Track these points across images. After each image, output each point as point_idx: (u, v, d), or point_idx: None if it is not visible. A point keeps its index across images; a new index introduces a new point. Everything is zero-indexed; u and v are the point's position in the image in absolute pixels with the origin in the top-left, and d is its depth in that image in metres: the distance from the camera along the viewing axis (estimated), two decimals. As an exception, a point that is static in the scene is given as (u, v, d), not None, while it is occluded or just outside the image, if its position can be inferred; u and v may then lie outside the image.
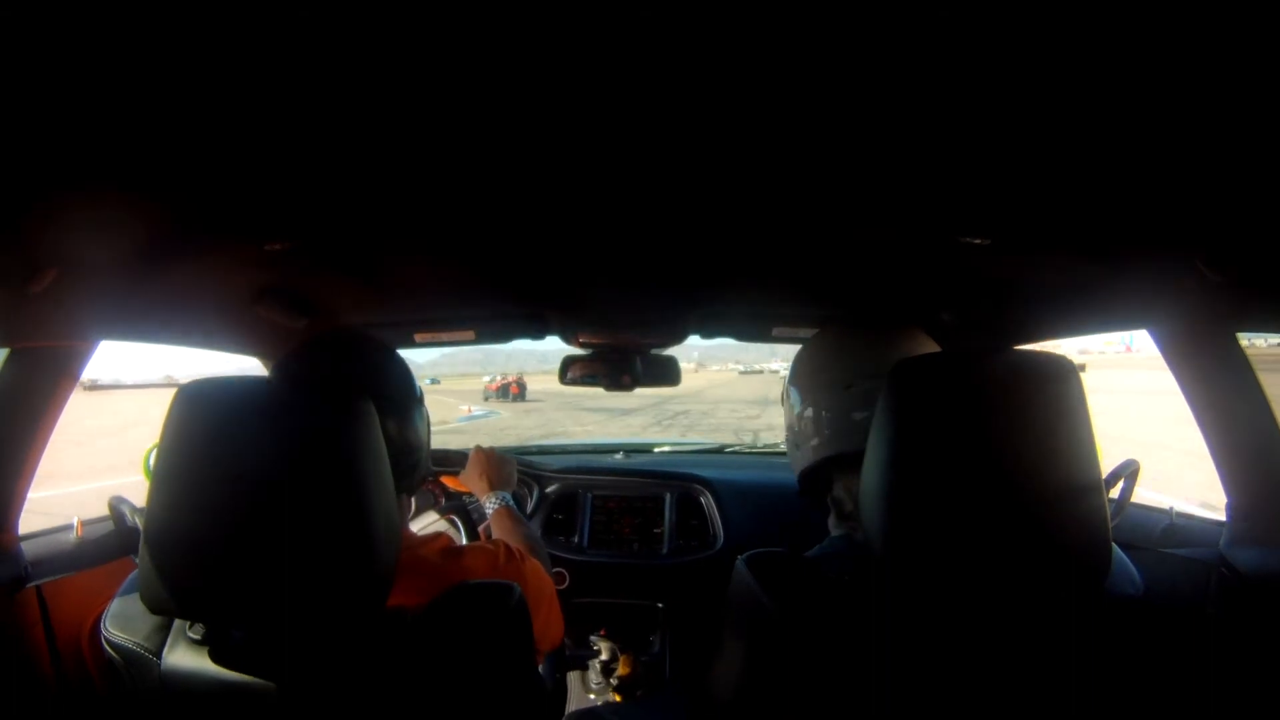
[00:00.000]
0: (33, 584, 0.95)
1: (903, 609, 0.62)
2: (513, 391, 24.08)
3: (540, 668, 0.97)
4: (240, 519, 0.58)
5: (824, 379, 0.84)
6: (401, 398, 0.84)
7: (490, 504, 1.19)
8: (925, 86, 0.49)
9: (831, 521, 0.85)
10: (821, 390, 0.84)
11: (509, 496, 1.21)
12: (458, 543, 0.87)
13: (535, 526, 1.76)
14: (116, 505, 1.12)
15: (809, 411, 0.85)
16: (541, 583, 0.91)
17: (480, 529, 1.24)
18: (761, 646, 0.66)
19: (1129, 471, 0.92)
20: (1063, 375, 0.61)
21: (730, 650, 0.73)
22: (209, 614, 0.62)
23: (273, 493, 0.58)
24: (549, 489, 1.83)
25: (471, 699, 0.62)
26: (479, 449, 1.30)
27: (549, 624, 0.91)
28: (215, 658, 0.64)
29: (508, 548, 0.88)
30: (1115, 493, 0.92)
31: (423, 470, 0.90)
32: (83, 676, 0.98)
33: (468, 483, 1.28)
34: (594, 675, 1.64)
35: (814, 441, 0.83)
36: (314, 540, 0.58)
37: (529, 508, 1.81)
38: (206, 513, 0.59)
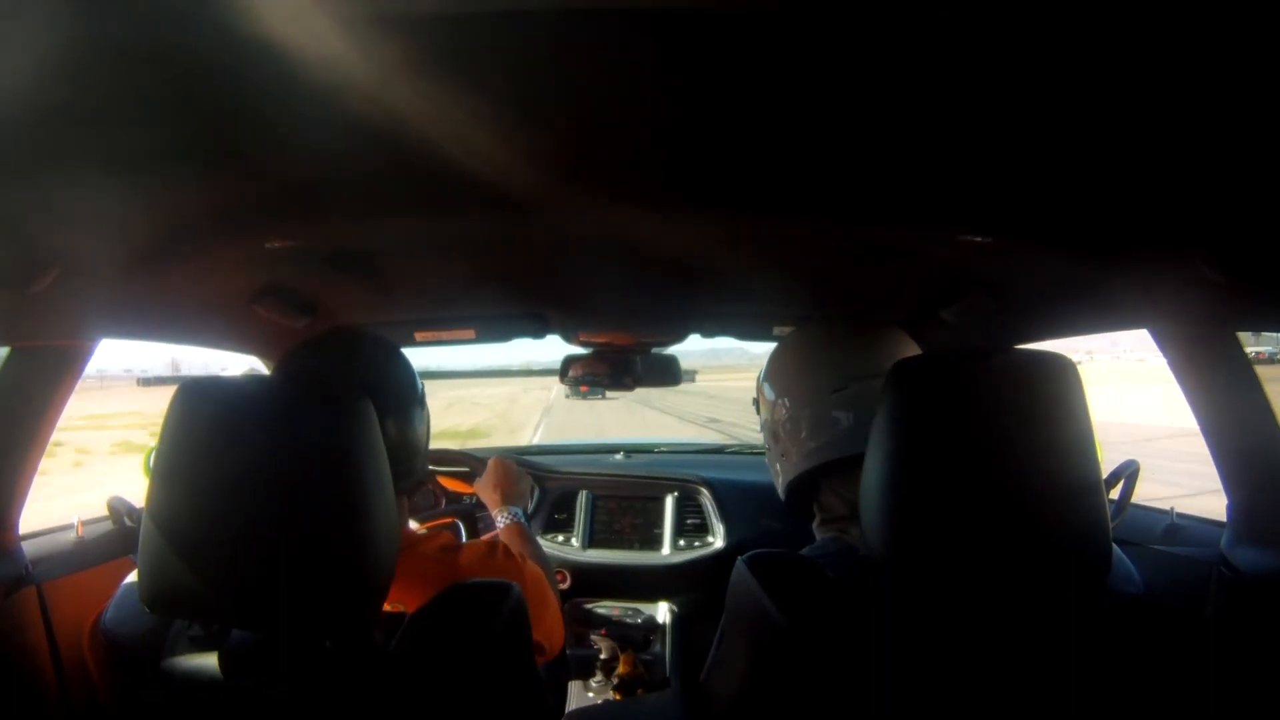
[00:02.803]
0: (33, 583, 0.95)
1: (907, 612, 0.62)
2: (582, 389, 25.76)
3: (540, 667, 0.97)
4: (238, 518, 0.58)
5: (810, 381, 0.83)
6: (402, 397, 0.84)
7: (502, 519, 1.17)
8: (926, 85, 0.49)
9: (816, 525, 0.84)
10: (807, 393, 0.83)
11: (521, 513, 1.18)
12: (457, 542, 0.87)
13: (535, 526, 1.76)
14: (115, 505, 1.12)
15: (793, 415, 0.84)
16: (542, 589, 0.91)
17: (485, 538, 1.23)
18: (767, 654, 0.66)
19: (1129, 472, 0.92)
20: (1063, 374, 0.61)
21: (732, 653, 0.73)
22: (207, 614, 0.62)
23: (271, 492, 0.58)
24: (549, 489, 1.83)
25: (471, 699, 0.62)
26: (499, 459, 1.27)
27: (550, 633, 0.91)
28: (214, 656, 0.64)
29: (506, 547, 0.88)
30: (1115, 493, 0.92)
31: (420, 473, 0.89)
32: (83, 675, 0.98)
33: (481, 491, 1.25)
34: (594, 675, 1.64)
35: (807, 448, 0.82)
36: (312, 540, 0.58)
37: (529, 508, 1.81)
38: (204, 512, 0.59)
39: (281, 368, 0.84)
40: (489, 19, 0.42)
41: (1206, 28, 0.40)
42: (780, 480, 0.88)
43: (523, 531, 1.14)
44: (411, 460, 0.85)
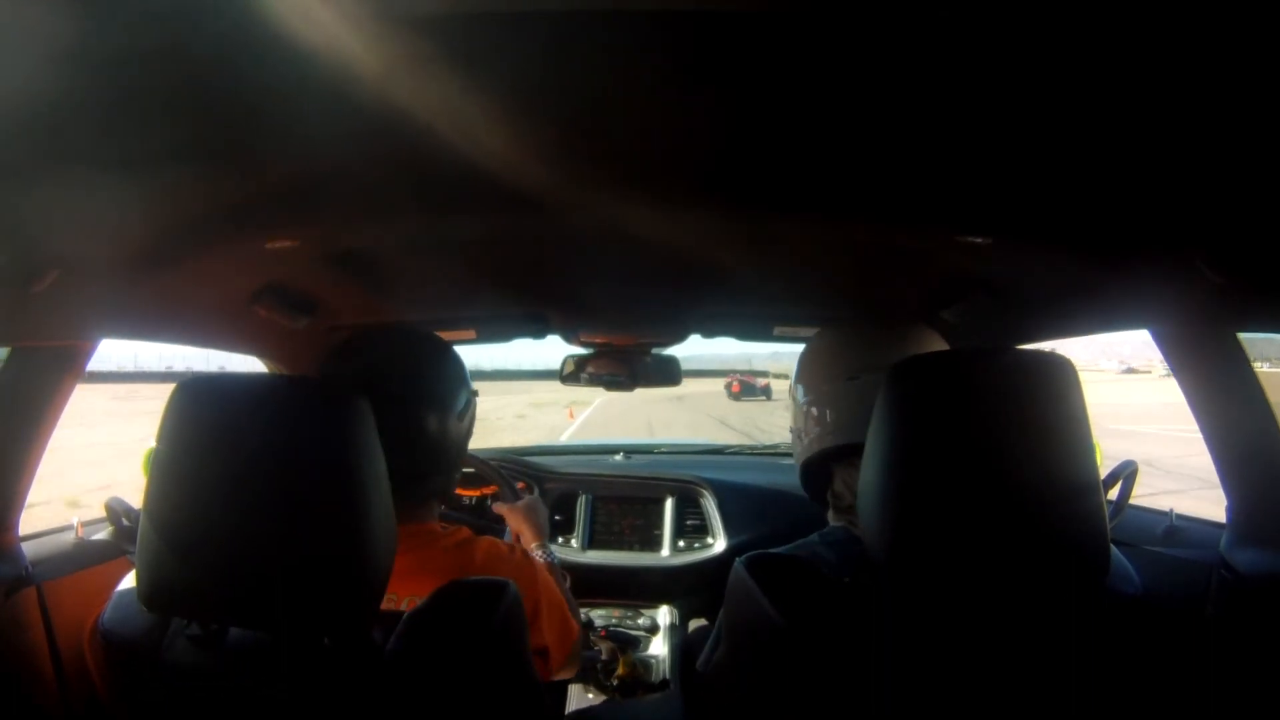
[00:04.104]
0: (33, 584, 0.95)
1: (906, 612, 0.62)
2: (734, 389, 25.18)
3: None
4: (236, 516, 0.58)
5: (827, 373, 0.85)
6: (447, 395, 0.85)
7: (539, 555, 1.13)
8: (926, 86, 0.49)
9: (830, 513, 0.85)
10: (824, 384, 0.84)
11: (555, 554, 1.16)
12: (474, 536, 0.87)
13: None
14: (113, 506, 1.12)
15: (813, 408, 0.85)
16: (554, 595, 0.90)
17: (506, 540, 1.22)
18: (767, 655, 0.66)
19: (1127, 473, 0.92)
20: (1062, 375, 0.61)
21: (732, 655, 0.73)
22: (205, 612, 0.62)
23: (268, 489, 0.58)
24: (548, 490, 1.83)
25: (468, 697, 0.62)
26: (534, 498, 1.27)
27: (561, 640, 0.89)
28: (212, 655, 0.64)
29: (525, 551, 0.88)
30: (1114, 494, 0.92)
31: (449, 486, 0.89)
32: (83, 675, 0.98)
33: (514, 522, 1.22)
34: (594, 676, 1.64)
35: (815, 433, 0.84)
36: (310, 537, 0.58)
37: None
38: (202, 510, 0.59)
39: (324, 366, 0.86)
40: (492, 19, 0.42)
41: (1205, 28, 0.40)
42: (797, 468, 0.90)
43: (556, 571, 1.10)
44: (451, 455, 0.86)
